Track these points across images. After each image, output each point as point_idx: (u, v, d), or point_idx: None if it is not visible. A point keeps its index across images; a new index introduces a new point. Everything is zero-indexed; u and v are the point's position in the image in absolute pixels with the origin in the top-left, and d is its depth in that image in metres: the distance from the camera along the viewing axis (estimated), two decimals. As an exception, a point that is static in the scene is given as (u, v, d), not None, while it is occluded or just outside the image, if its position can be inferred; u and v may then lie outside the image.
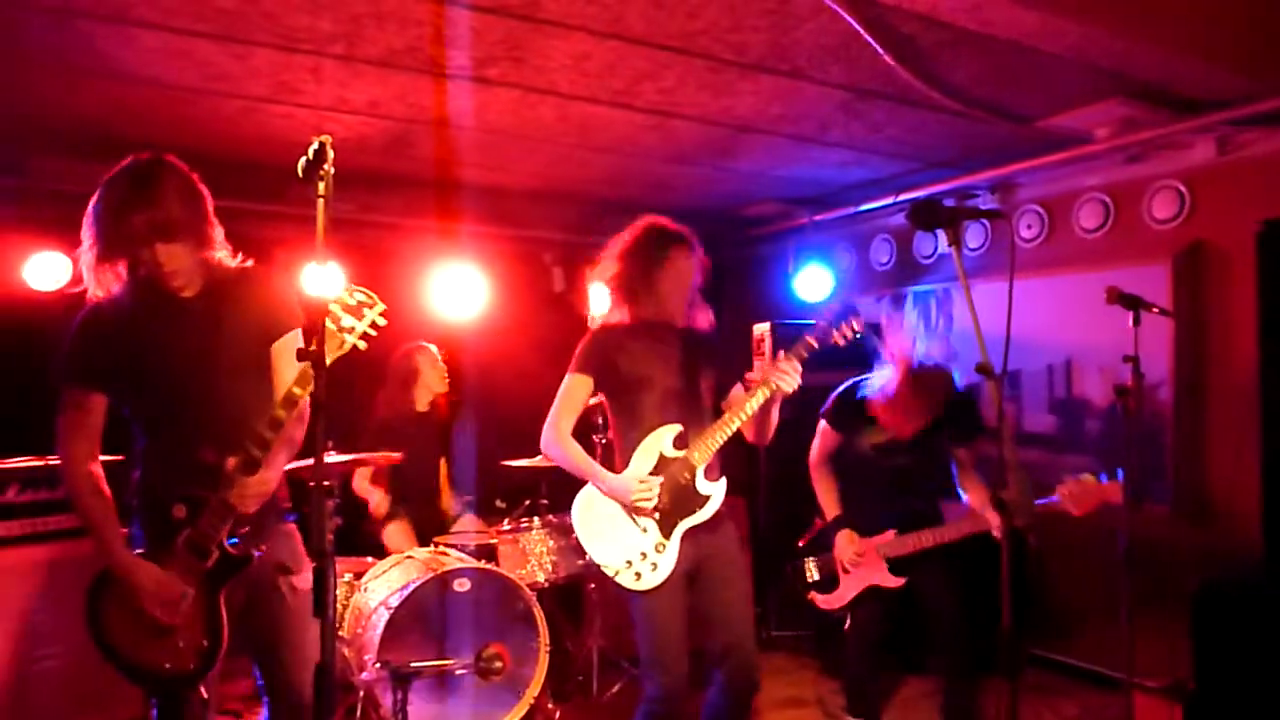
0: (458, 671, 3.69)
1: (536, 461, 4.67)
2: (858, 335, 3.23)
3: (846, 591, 3.90)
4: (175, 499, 2.39)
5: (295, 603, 2.55)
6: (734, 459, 5.74)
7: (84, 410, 2.47)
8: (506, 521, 4.60)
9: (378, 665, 3.52)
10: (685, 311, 3.27)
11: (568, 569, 4.49)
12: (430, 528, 4.65)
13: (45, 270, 4.77)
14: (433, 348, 5.06)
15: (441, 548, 4.28)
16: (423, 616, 3.80)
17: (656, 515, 3.06)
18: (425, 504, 4.80)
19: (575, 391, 3.18)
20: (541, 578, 4.38)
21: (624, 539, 3.07)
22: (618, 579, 3.04)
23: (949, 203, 5.14)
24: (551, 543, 4.51)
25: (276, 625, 2.55)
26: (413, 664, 3.34)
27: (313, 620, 2.40)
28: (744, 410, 3.10)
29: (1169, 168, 4.55)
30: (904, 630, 4.05)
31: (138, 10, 3.10)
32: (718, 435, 3.12)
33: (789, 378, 3.07)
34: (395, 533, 4.64)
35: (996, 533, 3.48)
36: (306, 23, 3.22)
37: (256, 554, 2.43)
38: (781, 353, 3.13)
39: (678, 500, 3.07)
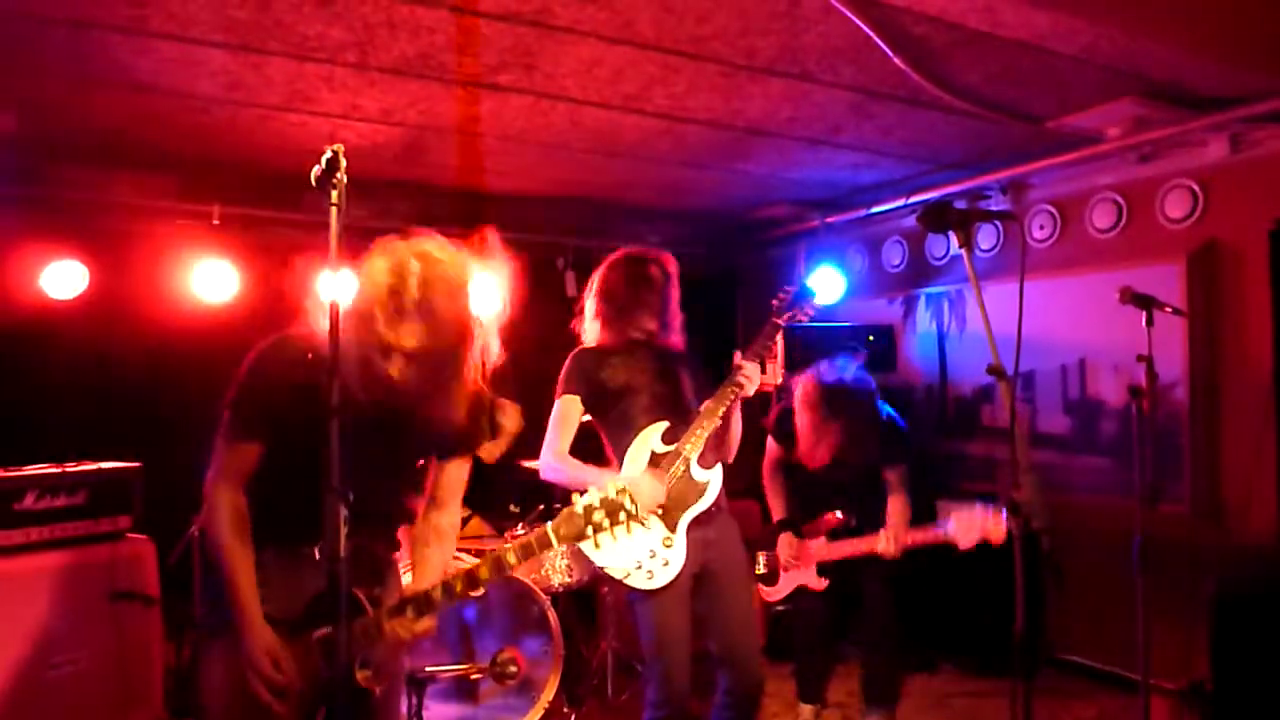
0: (473, 676, 3.70)
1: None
2: (809, 320, 3.47)
3: (784, 587, 4.17)
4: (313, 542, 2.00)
5: (386, 691, 2.25)
6: (747, 463, 5.78)
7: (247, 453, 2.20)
8: (520, 525, 4.61)
9: (394, 669, 3.53)
10: (659, 332, 3.34)
11: (582, 573, 4.50)
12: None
13: (62, 279, 4.82)
14: None
15: (455, 552, 4.29)
16: (437, 621, 3.81)
17: (659, 510, 3.05)
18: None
19: (567, 412, 3.22)
20: (556, 582, 4.39)
21: (629, 540, 2.98)
22: (630, 581, 3.02)
23: (960, 204, 5.13)
24: (566, 547, 4.51)
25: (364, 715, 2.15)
26: (428, 669, 3.35)
27: (399, 696, 2.35)
28: (724, 400, 3.13)
29: (1182, 167, 4.53)
30: (848, 618, 4.32)
31: (154, 21, 3.13)
32: (705, 423, 3.11)
33: (749, 382, 3.14)
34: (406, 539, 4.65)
35: (887, 550, 3.84)
36: (320, 31, 3.24)
37: (377, 692, 2.11)
38: (737, 354, 3.19)
39: (677, 492, 3.07)
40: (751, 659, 3.16)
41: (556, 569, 4.44)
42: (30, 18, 3.10)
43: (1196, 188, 4.46)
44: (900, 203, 5.57)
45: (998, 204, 5.31)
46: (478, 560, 2.25)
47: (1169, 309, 3.55)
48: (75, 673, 3.66)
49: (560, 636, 3.98)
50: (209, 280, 4.98)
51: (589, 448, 3.32)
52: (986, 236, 5.45)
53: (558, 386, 3.27)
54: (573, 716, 4.27)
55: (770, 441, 4.37)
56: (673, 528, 3.06)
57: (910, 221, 5.89)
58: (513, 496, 4.96)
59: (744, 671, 3.14)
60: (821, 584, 4.02)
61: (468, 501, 5.03)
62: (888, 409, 4.10)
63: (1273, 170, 4.21)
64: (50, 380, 4.73)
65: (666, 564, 3.02)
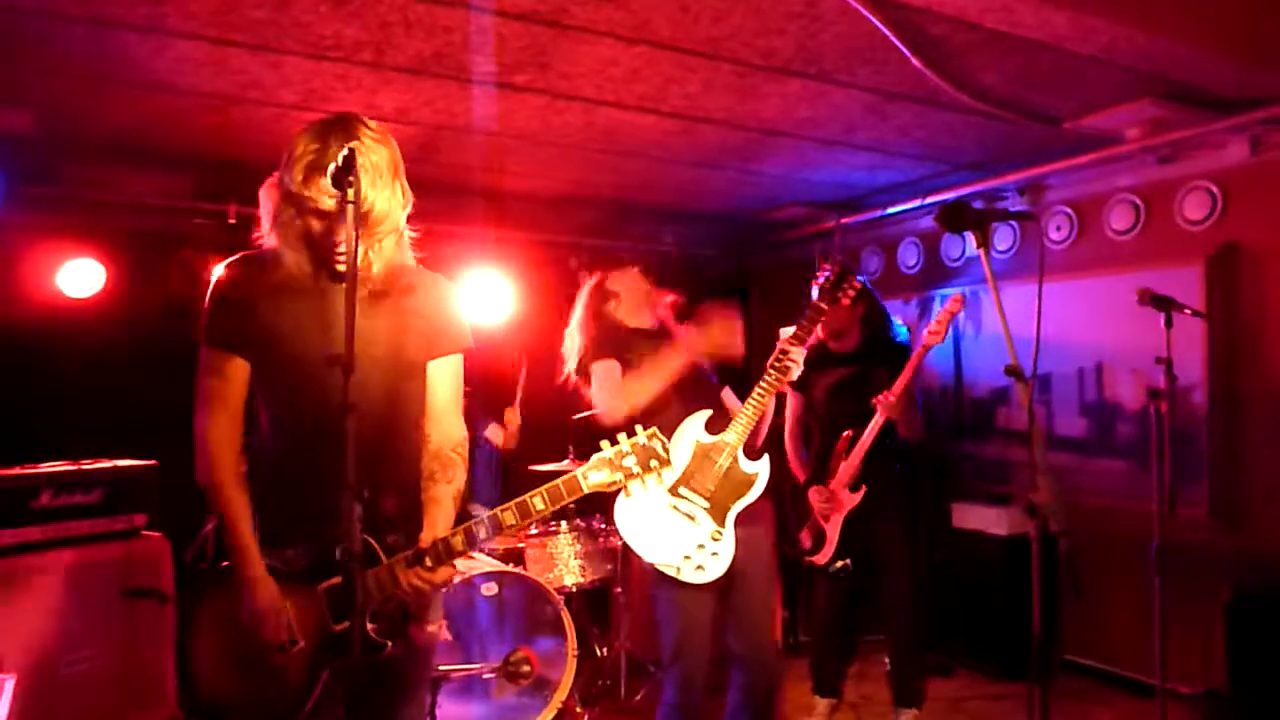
0: (485, 675, 3.70)
1: (564, 465, 4.68)
2: (858, 292, 3.34)
3: (831, 538, 4.07)
4: (324, 523, 1.87)
5: (405, 654, 2.13)
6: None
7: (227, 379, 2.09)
8: (534, 525, 4.61)
9: (407, 668, 3.54)
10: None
11: (596, 573, 4.50)
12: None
13: (79, 277, 4.84)
14: None
15: (469, 551, 4.30)
16: (450, 620, 3.81)
17: (707, 503, 3.01)
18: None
19: (611, 373, 3.18)
20: (569, 582, 4.38)
21: (675, 533, 3.00)
22: (681, 576, 2.97)
23: (977, 205, 5.11)
24: (579, 546, 4.51)
25: (376, 677, 2.08)
26: (441, 668, 3.36)
27: (421, 685, 2.28)
28: (769, 386, 3.10)
29: (1201, 168, 4.49)
30: (864, 611, 4.35)
31: (171, 20, 3.14)
32: (751, 412, 3.08)
33: (796, 366, 3.10)
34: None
35: (887, 406, 3.90)
36: (336, 30, 3.25)
37: (390, 646, 2.04)
38: (781, 336, 3.15)
39: (725, 484, 3.02)
40: (771, 657, 3.16)
41: (570, 569, 4.43)
42: (47, 15, 3.11)
43: (1216, 189, 4.43)
44: (916, 204, 5.54)
45: (1015, 205, 5.28)
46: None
47: (1188, 311, 3.53)
48: (90, 670, 3.68)
49: (574, 636, 3.97)
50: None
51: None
52: (1003, 238, 5.42)
53: (587, 353, 3.29)
54: (586, 717, 4.27)
55: (791, 397, 4.37)
56: (721, 521, 3.01)
57: (926, 223, 5.87)
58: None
59: (762, 669, 3.14)
60: (855, 497, 3.99)
61: (486, 502, 5.01)
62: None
63: (1294, 172, 4.17)
64: (66, 378, 4.76)
65: (716, 556, 2.98)
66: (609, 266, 3.62)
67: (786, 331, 3.18)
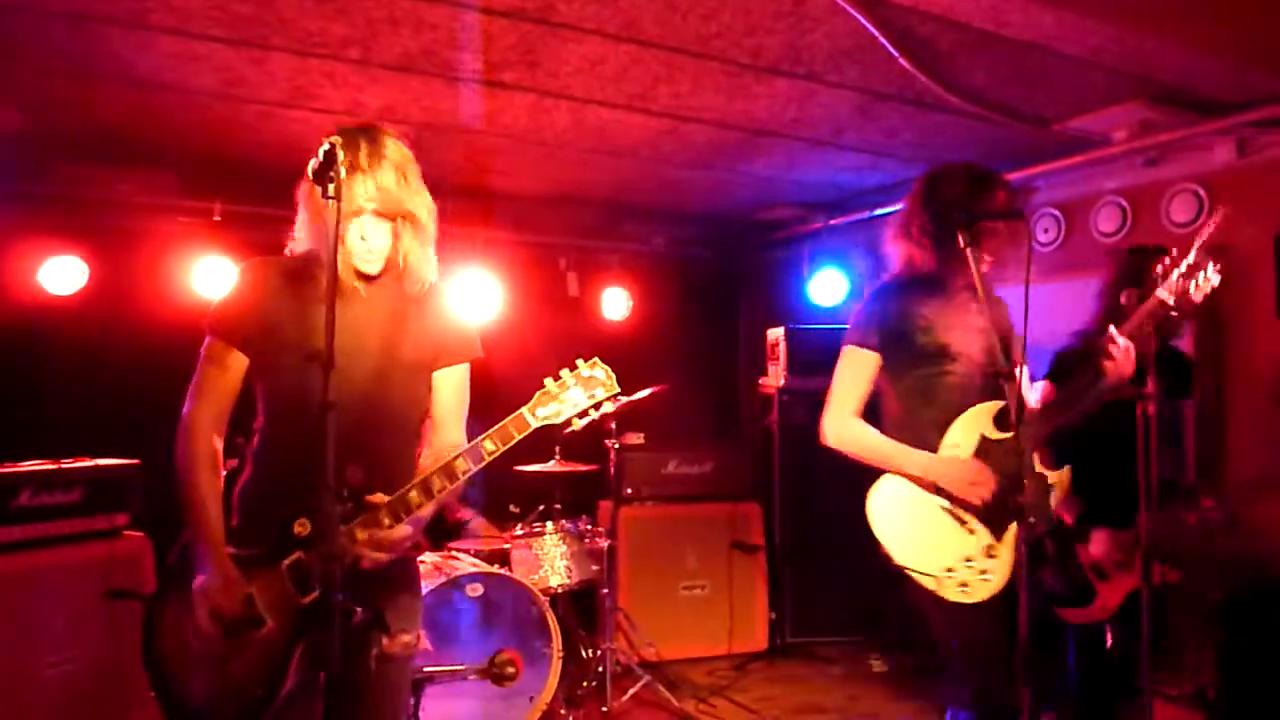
0: (470, 677, 3.68)
1: (550, 466, 4.66)
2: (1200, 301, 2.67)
3: (1109, 601, 3.24)
4: (300, 510, 2.00)
5: (382, 669, 2.09)
6: (747, 463, 5.76)
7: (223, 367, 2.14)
8: (520, 526, 4.59)
9: (391, 670, 3.51)
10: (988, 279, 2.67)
11: (581, 574, 4.48)
12: (441, 532, 4.65)
13: (62, 275, 4.80)
14: None
15: (453, 552, 4.28)
16: (435, 621, 3.79)
17: (986, 510, 2.53)
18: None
19: (854, 368, 2.70)
20: (555, 583, 4.37)
21: (945, 541, 2.54)
22: (940, 590, 2.50)
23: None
24: (565, 547, 4.49)
25: (353, 691, 2.03)
26: (425, 669, 3.33)
27: (399, 696, 2.22)
28: (1088, 384, 2.59)
29: (1188, 171, 4.50)
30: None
31: (155, 15, 3.12)
32: (1055, 412, 2.61)
33: (1115, 366, 2.60)
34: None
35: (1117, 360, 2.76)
36: (322, 27, 3.23)
37: (359, 612, 1.92)
38: (1111, 329, 2.64)
39: (1010, 493, 2.50)
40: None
41: (556, 570, 4.42)
42: (32, 11, 3.09)
43: (1202, 192, 4.44)
44: (904, 205, 5.54)
45: (1002, 207, 5.28)
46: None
47: (1174, 313, 3.52)
48: (71, 672, 3.64)
49: (559, 638, 3.95)
50: (210, 277, 4.96)
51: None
52: (991, 240, 5.42)
53: (849, 331, 2.74)
54: (570, 719, 4.25)
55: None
56: (999, 535, 2.53)
57: (914, 224, 5.87)
58: (513, 498, 4.95)
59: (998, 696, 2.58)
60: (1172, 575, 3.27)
61: (474, 504, 4.96)
62: None
63: (1279, 175, 4.19)
64: (49, 376, 4.72)
65: (985, 576, 2.50)
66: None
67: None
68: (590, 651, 4.74)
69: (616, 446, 4.89)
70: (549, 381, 2.13)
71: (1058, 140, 4.43)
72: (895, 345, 2.65)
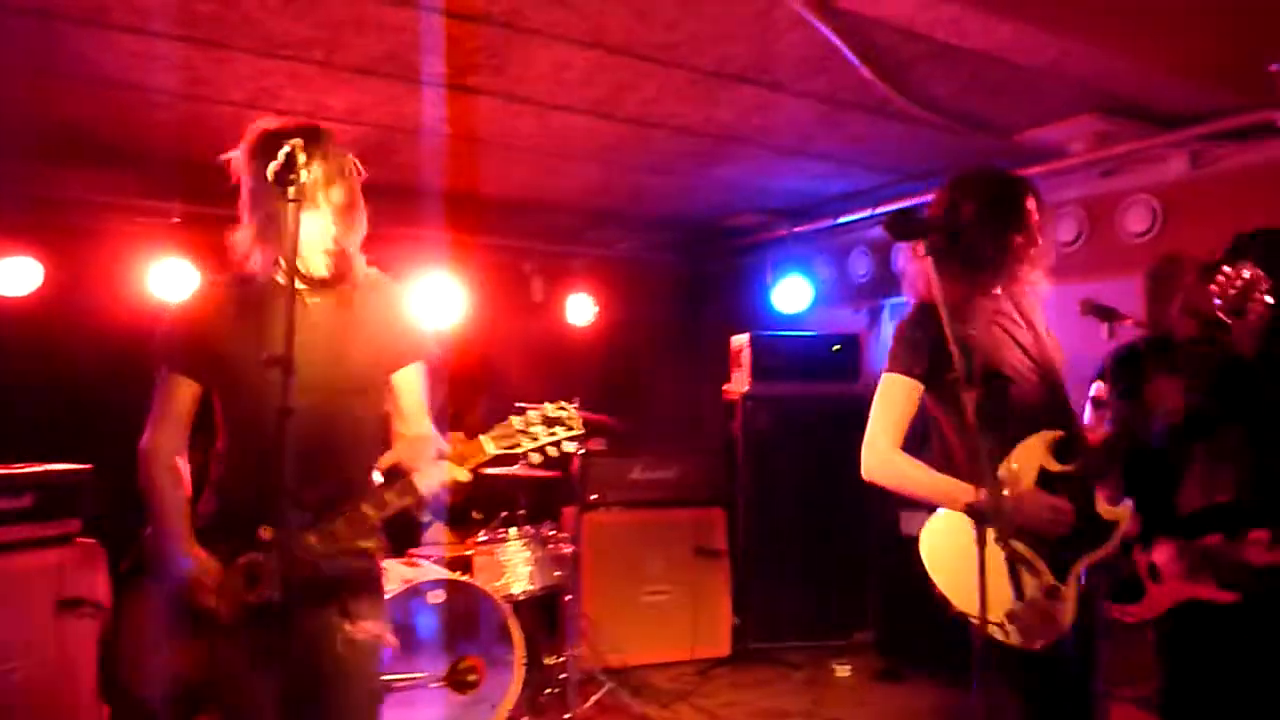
0: (432, 685, 3.65)
1: (514, 470, 4.64)
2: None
3: (1160, 602, 3.11)
4: (263, 518, 2.00)
5: (346, 653, 2.15)
6: (712, 469, 5.78)
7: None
8: (483, 533, 4.57)
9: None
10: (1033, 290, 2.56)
11: (545, 580, 4.46)
12: (402, 538, 4.61)
13: (16, 275, 4.71)
14: None
15: (415, 559, 4.25)
16: (397, 629, 3.75)
17: (1048, 549, 2.35)
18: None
19: (897, 397, 2.47)
20: (518, 589, 4.35)
21: (1005, 582, 2.32)
22: (999, 634, 2.30)
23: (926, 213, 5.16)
24: (528, 554, 4.48)
25: (315, 676, 2.11)
26: (386, 677, 3.30)
27: (369, 683, 2.25)
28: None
29: (1143, 182, 4.60)
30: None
31: (116, 13, 3.08)
32: (1118, 450, 2.44)
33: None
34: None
35: None
36: (286, 28, 3.20)
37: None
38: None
39: (1073, 529, 2.35)
40: None
41: (519, 576, 4.40)
42: (-13, 6, 3.03)
43: (1156, 203, 4.53)
44: (867, 213, 5.60)
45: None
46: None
47: (1129, 321, 3.59)
48: (20, 681, 3.56)
49: (521, 645, 3.94)
50: (168, 279, 4.89)
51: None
52: (951, 248, 5.49)
53: (889, 357, 2.51)
54: (533, 725, 4.23)
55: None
56: (1062, 575, 2.35)
57: (877, 232, 5.93)
58: (475, 504, 4.93)
59: None
60: (1230, 595, 2.94)
61: (433, 510, 4.93)
62: None
63: (1231, 187, 4.28)
64: (0, 378, 4.62)
65: (1048, 620, 2.34)
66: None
67: None
68: (553, 658, 4.72)
69: (581, 452, 4.88)
70: (514, 419, 2.15)
71: (1017, 151, 4.50)
72: (934, 371, 2.42)
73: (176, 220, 4.97)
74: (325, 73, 3.61)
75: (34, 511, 3.69)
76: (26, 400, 4.55)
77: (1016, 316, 2.51)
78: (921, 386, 2.46)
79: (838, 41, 3.22)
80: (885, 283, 6.01)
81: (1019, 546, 2.32)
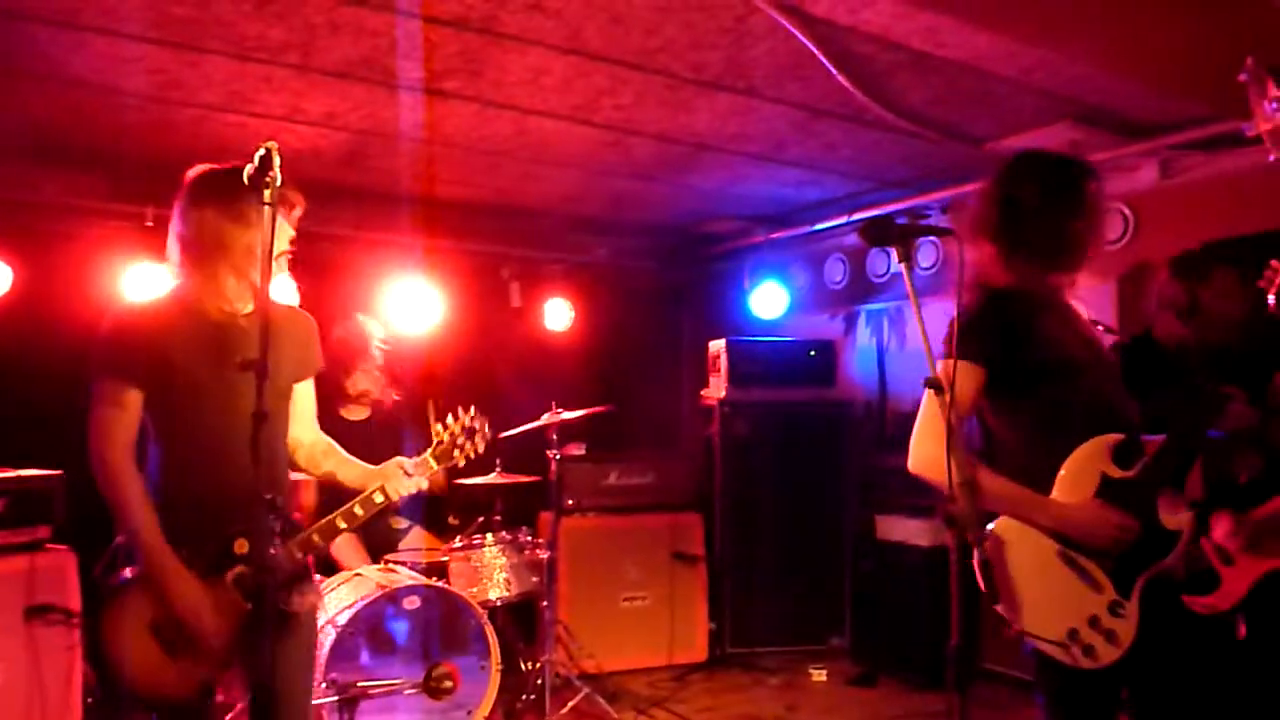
0: (407, 691, 3.63)
1: (490, 479, 4.63)
2: None
3: (1235, 589, 2.88)
4: (238, 532, 2.24)
5: (290, 625, 2.39)
6: (689, 474, 5.79)
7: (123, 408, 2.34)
8: (459, 538, 4.54)
9: (324, 685, 3.45)
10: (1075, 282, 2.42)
11: (521, 586, 4.45)
12: (378, 544, 4.57)
13: (-16, 278, 4.65)
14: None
15: (391, 565, 4.22)
16: (371, 635, 3.74)
17: (1111, 562, 2.24)
18: (373, 519, 4.71)
19: (960, 384, 2.25)
20: (494, 595, 4.33)
21: (1065, 597, 2.23)
22: (1063, 657, 2.20)
23: (901, 220, 5.20)
24: (505, 560, 4.46)
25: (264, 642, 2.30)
26: (360, 684, 3.29)
27: (308, 652, 2.50)
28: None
29: (1114, 190, 4.62)
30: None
31: (88, 15, 3.05)
32: (1174, 442, 2.27)
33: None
34: (345, 546, 4.54)
35: None
36: (260, 31, 3.19)
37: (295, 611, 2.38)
38: None
39: (1137, 541, 2.23)
40: None
41: (495, 582, 4.38)
42: (-46, 7, 3.00)
43: (1128, 211, 4.59)
44: (843, 220, 5.64)
45: (937, 223, 5.40)
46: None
47: (1101, 327, 3.62)
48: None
49: (497, 651, 3.92)
50: (140, 283, 4.84)
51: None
52: (926, 255, 5.54)
53: (947, 343, 2.34)
54: (509, 732, 4.22)
55: None
56: (1125, 590, 2.23)
57: (852, 239, 5.96)
58: (451, 509, 4.91)
59: None
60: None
61: (409, 515, 4.92)
62: None
63: (1200, 196, 4.34)
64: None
65: (1111, 638, 2.21)
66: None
67: None
68: (529, 664, 4.71)
69: (558, 457, 4.87)
70: (441, 432, 2.60)
71: (991, 159, 4.53)
72: (1007, 360, 2.30)
73: (149, 224, 4.92)
74: (300, 76, 3.59)
75: (5, 518, 3.66)
76: (-4, 405, 4.49)
77: (1076, 306, 2.40)
78: (984, 374, 2.32)
79: (815, 49, 3.24)
80: (860, 289, 6.05)
81: (1080, 559, 2.24)
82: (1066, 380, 2.29)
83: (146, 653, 2.24)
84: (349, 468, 2.64)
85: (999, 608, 2.26)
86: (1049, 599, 2.24)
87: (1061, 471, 2.28)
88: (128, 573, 2.27)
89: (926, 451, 2.32)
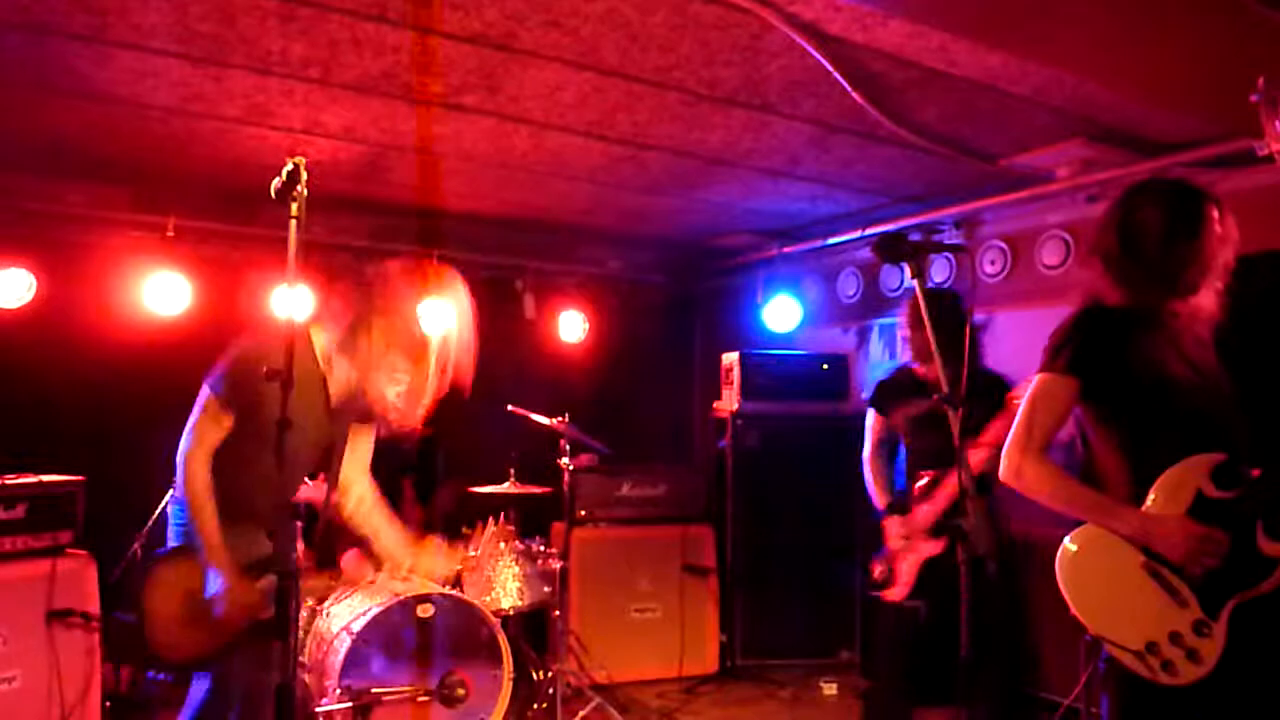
0: (420, 699, 3.65)
1: (504, 488, 4.66)
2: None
3: (906, 577, 3.65)
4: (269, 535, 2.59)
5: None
6: (701, 486, 5.81)
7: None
8: (472, 548, 4.57)
9: (339, 691, 3.48)
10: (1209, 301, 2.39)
11: (533, 596, 4.47)
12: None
13: (10, 287, 4.71)
14: None
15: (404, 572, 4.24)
16: (385, 642, 3.76)
17: (1199, 581, 2.21)
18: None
19: (1053, 398, 2.35)
20: (507, 604, 4.36)
21: (1146, 610, 2.22)
22: (1137, 667, 2.19)
23: (914, 237, 5.23)
24: (518, 569, 4.49)
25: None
26: (374, 690, 3.31)
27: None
28: None
29: (1127, 208, 4.66)
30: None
31: (114, 30, 3.11)
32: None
33: None
34: (351, 560, 4.57)
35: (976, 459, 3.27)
36: (283, 46, 3.24)
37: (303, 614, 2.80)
38: None
39: (1229, 562, 2.18)
40: None
41: (508, 591, 4.41)
42: (-15, 22, 3.06)
43: (1141, 228, 4.59)
44: (856, 234, 5.65)
45: (950, 238, 5.42)
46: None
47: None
48: (10, 692, 3.56)
49: (510, 659, 3.94)
50: (161, 293, 4.91)
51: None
52: (939, 270, 5.55)
53: (1046, 354, 2.41)
54: (520, 741, 4.23)
55: (871, 416, 4.05)
56: (1213, 611, 2.19)
57: (865, 253, 5.98)
58: (465, 519, 4.92)
59: None
60: (937, 545, 3.52)
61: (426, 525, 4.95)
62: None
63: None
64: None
65: (1194, 657, 2.17)
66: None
67: None
68: (541, 673, 4.72)
69: (570, 468, 4.90)
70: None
71: (1004, 175, 4.56)
72: (1101, 374, 2.33)
73: (170, 234, 4.99)
74: (321, 90, 3.64)
75: (27, 522, 3.71)
76: (19, 412, 4.55)
77: (1194, 328, 2.38)
78: (1079, 386, 2.34)
79: (829, 67, 3.27)
80: (874, 303, 6.07)
81: (1166, 574, 2.22)
82: (1162, 400, 2.29)
83: (172, 615, 2.62)
84: (387, 534, 3.15)
85: (1074, 610, 2.29)
86: (1129, 608, 2.23)
87: (1157, 484, 2.27)
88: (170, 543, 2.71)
89: (1025, 462, 2.38)
